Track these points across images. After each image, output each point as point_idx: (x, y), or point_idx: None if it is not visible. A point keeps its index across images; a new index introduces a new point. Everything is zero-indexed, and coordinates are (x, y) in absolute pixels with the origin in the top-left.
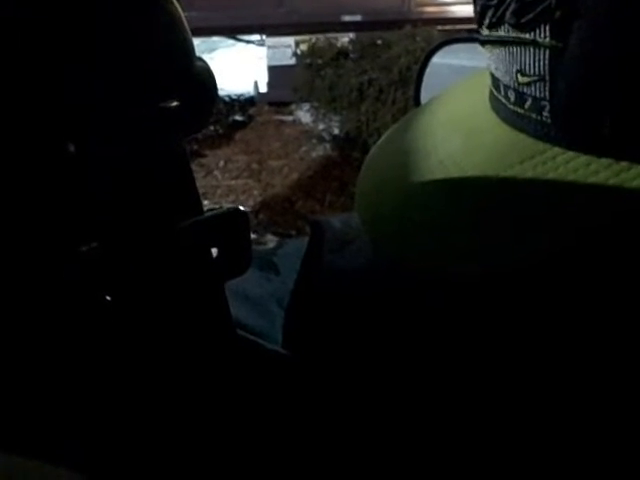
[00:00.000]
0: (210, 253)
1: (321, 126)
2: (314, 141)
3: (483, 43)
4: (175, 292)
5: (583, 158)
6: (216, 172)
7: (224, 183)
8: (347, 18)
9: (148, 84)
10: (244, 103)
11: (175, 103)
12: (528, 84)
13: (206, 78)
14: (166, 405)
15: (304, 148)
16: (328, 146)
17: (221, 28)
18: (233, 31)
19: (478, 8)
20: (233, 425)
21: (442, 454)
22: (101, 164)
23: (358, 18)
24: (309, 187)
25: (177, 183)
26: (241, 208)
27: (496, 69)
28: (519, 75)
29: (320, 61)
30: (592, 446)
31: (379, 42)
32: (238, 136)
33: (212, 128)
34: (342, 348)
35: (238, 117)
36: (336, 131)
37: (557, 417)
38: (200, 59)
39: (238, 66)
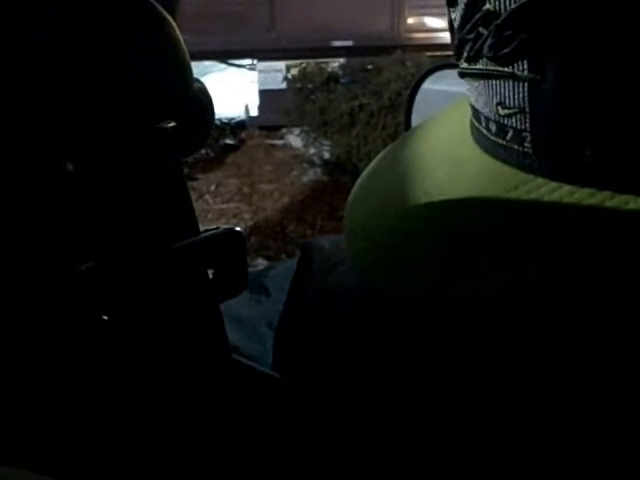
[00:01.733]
0: (206, 273)
1: (312, 150)
2: (305, 165)
3: (462, 75)
4: (171, 312)
5: (566, 188)
6: (207, 196)
7: (215, 207)
8: (337, 43)
9: (146, 105)
10: (235, 127)
11: (172, 124)
12: (509, 116)
13: (203, 100)
14: (159, 424)
15: (295, 172)
16: (319, 170)
17: (213, 52)
18: (225, 55)
19: (455, 42)
20: (225, 446)
21: (430, 472)
22: (99, 183)
23: (348, 43)
24: (300, 211)
25: (174, 203)
26: (237, 229)
27: (476, 101)
28: (499, 107)
29: (311, 86)
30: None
31: (369, 67)
32: (229, 160)
33: (203, 151)
34: (331, 368)
35: (229, 141)
36: (327, 155)
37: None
38: (198, 81)
39: (229, 90)
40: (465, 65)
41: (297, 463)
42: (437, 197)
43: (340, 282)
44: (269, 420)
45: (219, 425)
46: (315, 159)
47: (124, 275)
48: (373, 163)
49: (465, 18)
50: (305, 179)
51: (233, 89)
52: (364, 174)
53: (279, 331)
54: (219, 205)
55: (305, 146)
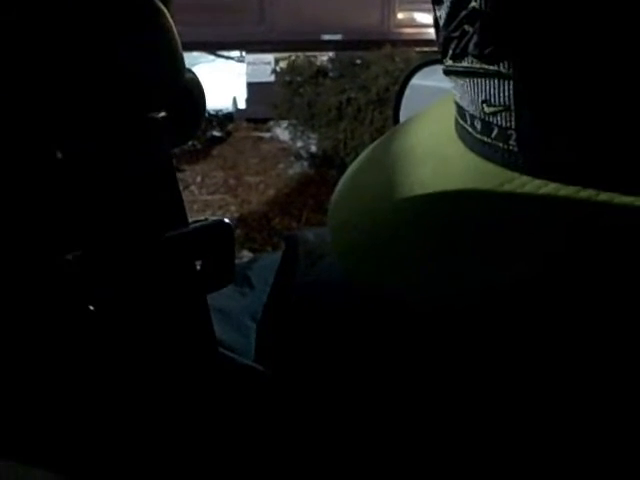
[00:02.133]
0: (194, 265)
1: (299, 143)
2: (292, 158)
3: (447, 73)
4: (159, 303)
5: (551, 185)
6: (193, 187)
7: (201, 198)
8: (327, 37)
9: (137, 94)
10: (222, 119)
11: (163, 114)
12: (494, 114)
13: (195, 90)
14: (146, 416)
15: (281, 165)
16: (305, 164)
17: (202, 43)
18: (213, 47)
19: (441, 40)
20: (210, 438)
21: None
22: (88, 172)
23: (338, 37)
24: (286, 204)
25: (163, 194)
26: (226, 220)
27: (461, 98)
28: (484, 105)
29: (299, 79)
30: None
31: (358, 62)
32: (216, 152)
33: (190, 143)
34: (315, 361)
35: (216, 133)
36: (314, 149)
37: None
38: (189, 71)
39: (217, 82)
40: (450, 63)
41: (283, 456)
42: (421, 194)
43: (324, 275)
44: (253, 413)
45: (205, 417)
46: (302, 152)
47: (112, 265)
48: (359, 158)
49: (451, 16)
50: (291, 172)
51: (221, 81)
52: (350, 169)
53: (262, 323)
54: (205, 197)
55: (292, 139)
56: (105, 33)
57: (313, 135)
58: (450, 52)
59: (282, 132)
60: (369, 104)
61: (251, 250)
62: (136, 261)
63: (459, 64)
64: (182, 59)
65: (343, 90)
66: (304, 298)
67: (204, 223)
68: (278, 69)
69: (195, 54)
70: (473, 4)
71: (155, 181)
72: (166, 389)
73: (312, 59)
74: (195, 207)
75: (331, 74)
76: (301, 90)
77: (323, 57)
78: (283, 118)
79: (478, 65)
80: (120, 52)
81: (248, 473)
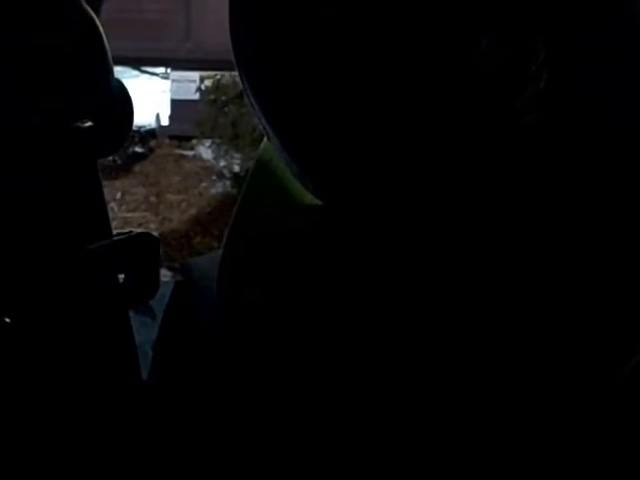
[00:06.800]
0: (117, 277)
1: (222, 163)
2: (214, 177)
3: None
4: (80, 315)
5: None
6: (113, 204)
7: (120, 215)
8: None
9: (63, 102)
10: (145, 135)
11: (89, 123)
12: None
13: (122, 100)
14: (64, 429)
15: (204, 184)
16: (228, 183)
17: (126, 58)
18: (138, 63)
19: None
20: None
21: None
22: (12, 182)
23: None
24: (207, 223)
25: (88, 205)
26: (153, 234)
27: None
28: None
29: (224, 97)
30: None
31: None
32: (137, 168)
33: (110, 158)
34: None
35: (138, 149)
36: (237, 168)
37: None
38: (118, 80)
39: (141, 98)
40: None
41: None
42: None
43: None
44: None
45: (127, 432)
46: (225, 172)
47: (32, 275)
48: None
49: None
50: (214, 191)
51: (145, 97)
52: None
53: (155, 349)
54: (124, 214)
55: (215, 158)
56: (31, 36)
57: (237, 155)
58: None
59: (205, 151)
60: None
61: (170, 269)
62: (57, 272)
63: None
64: (111, 68)
65: None
66: (196, 324)
67: (128, 235)
68: (203, 87)
69: (119, 69)
70: None
71: (80, 191)
72: (87, 402)
73: (237, 78)
74: (115, 224)
75: None
76: (225, 109)
77: None
78: (207, 137)
79: None
80: (46, 57)
81: None
